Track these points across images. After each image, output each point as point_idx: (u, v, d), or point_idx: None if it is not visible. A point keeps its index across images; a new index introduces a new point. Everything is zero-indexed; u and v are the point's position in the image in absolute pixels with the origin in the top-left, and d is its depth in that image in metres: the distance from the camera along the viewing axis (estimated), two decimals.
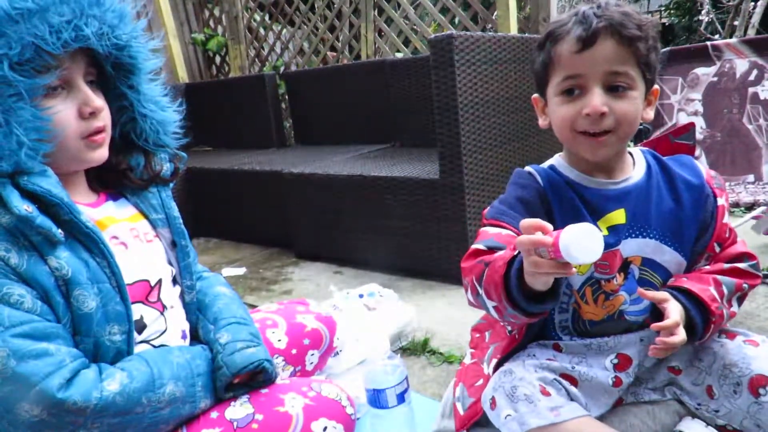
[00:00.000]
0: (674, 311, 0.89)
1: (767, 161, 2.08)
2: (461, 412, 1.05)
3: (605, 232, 0.94)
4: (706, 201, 0.98)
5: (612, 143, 0.91)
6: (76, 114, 0.85)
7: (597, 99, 0.87)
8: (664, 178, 0.99)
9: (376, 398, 1.09)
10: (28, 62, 0.77)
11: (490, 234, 0.95)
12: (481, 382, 1.06)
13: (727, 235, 1.00)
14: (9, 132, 0.76)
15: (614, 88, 0.88)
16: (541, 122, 1.02)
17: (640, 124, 0.96)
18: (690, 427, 0.96)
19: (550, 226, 0.74)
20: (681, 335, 0.87)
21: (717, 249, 1.00)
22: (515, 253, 0.82)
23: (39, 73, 0.79)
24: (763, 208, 1.94)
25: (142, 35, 0.91)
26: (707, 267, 1.00)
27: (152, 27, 3.83)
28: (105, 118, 0.89)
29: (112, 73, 0.90)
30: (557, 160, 1.03)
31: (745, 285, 0.98)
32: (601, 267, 0.97)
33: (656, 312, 0.96)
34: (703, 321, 0.92)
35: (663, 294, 0.93)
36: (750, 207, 2.00)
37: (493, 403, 0.93)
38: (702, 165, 1.01)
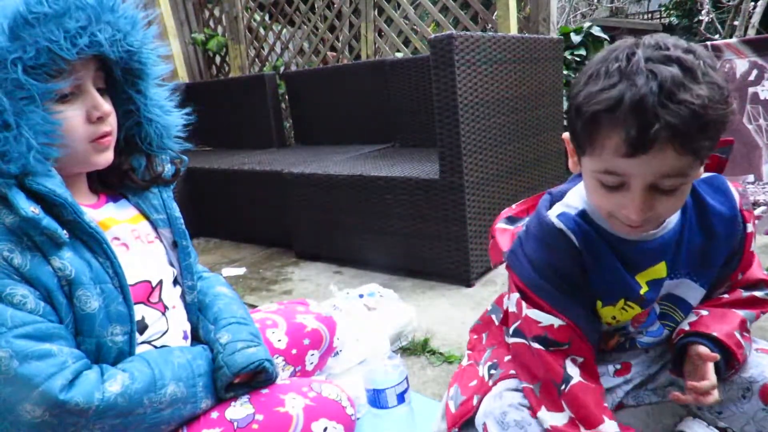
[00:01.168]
0: (711, 371, 0.85)
1: (767, 161, 2.08)
2: (452, 410, 1.05)
3: (645, 288, 0.87)
4: (737, 230, 0.91)
5: (650, 228, 0.83)
6: (85, 118, 0.85)
7: (640, 203, 0.73)
8: (696, 211, 0.88)
9: (376, 398, 1.09)
10: (41, 66, 0.77)
11: (540, 326, 0.87)
12: (475, 382, 1.06)
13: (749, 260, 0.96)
14: (19, 135, 0.77)
15: (662, 191, 0.73)
16: (571, 166, 0.86)
17: None
18: (691, 427, 0.96)
19: None
20: (715, 395, 0.85)
21: (739, 277, 0.95)
22: None
23: (51, 77, 0.79)
24: (763, 208, 1.94)
25: (152, 41, 0.91)
26: (726, 296, 0.96)
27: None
28: (112, 123, 0.89)
29: (120, 77, 0.91)
30: (585, 203, 0.89)
31: (762, 313, 0.96)
32: (637, 323, 0.94)
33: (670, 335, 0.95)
34: (726, 363, 0.89)
35: (707, 351, 0.87)
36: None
37: (485, 429, 0.92)
38: (735, 190, 0.90)
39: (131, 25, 0.86)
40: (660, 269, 0.87)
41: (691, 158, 0.70)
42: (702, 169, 0.76)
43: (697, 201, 0.89)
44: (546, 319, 0.86)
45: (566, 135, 0.85)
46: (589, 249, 0.85)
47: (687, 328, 0.93)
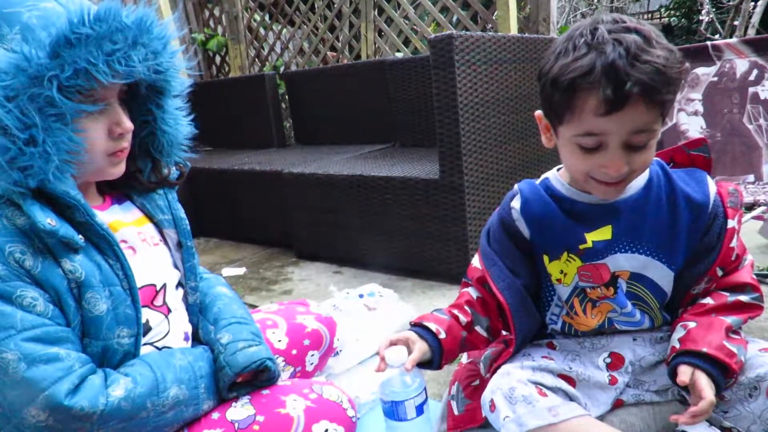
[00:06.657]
0: (707, 387, 0.85)
1: (767, 161, 2.08)
2: (456, 412, 1.05)
3: (589, 244, 0.94)
4: (712, 221, 0.93)
5: (625, 185, 0.89)
6: (106, 132, 0.85)
7: (618, 160, 0.82)
8: (667, 192, 0.94)
9: (395, 411, 1.03)
10: (75, 85, 0.77)
11: (471, 267, 1.11)
12: (477, 382, 1.06)
13: (732, 259, 0.95)
14: (44, 152, 0.76)
15: (636, 147, 0.83)
16: (545, 142, 0.97)
17: None
18: (693, 427, 0.96)
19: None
20: (711, 410, 0.85)
21: (719, 273, 0.96)
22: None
23: (82, 95, 0.79)
24: (763, 208, 1.94)
25: (179, 59, 0.91)
26: (711, 302, 0.96)
27: None
28: (129, 138, 0.90)
29: (144, 93, 0.91)
30: (553, 173, 1.02)
31: (749, 318, 0.96)
32: (584, 277, 0.97)
33: (651, 324, 0.97)
34: (722, 375, 0.88)
35: (689, 376, 0.88)
36: (750, 207, 2.01)
37: (492, 405, 0.93)
38: (713, 183, 0.95)
39: (163, 45, 0.85)
40: (605, 232, 0.94)
41: (658, 112, 0.80)
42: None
43: (670, 183, 0.94)
44: (475, 262, 1.07)
45: (539, 112, 0.94)
46: (530, 217, 0.98)
47: (678, 345, 0.93)
